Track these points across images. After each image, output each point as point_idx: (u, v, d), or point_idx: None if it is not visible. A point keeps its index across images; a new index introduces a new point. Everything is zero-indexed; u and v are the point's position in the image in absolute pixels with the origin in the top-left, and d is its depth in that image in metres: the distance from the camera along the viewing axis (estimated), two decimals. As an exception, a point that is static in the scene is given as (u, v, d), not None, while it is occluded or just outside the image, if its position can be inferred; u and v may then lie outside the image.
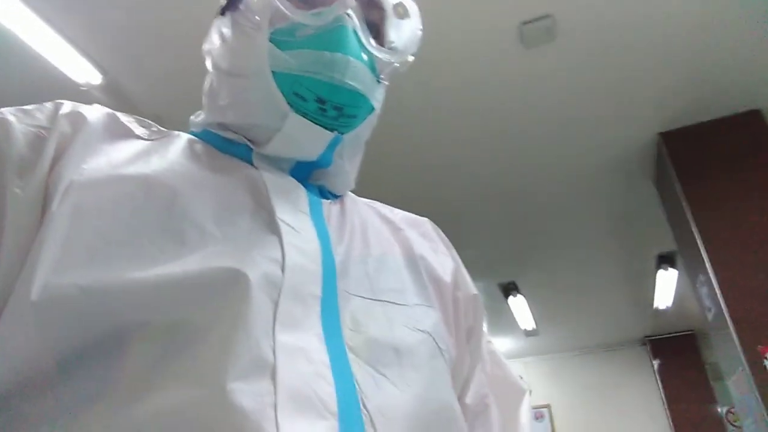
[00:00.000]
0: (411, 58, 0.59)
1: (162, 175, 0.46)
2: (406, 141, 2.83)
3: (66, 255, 0.38)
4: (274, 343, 0.38)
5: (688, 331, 5.76)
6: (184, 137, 0.54)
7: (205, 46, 0.58)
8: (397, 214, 0.65)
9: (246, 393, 0.34)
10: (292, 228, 0.47)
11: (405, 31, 0.59)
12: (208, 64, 0.58)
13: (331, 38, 0.51)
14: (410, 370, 0.45)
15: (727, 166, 2.65)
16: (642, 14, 2.21)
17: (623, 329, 5.80)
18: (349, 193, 0.62)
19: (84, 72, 2.29)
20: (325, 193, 0.57)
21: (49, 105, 0.48)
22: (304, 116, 0.51)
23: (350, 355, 0.42)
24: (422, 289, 0.55)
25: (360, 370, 0.42)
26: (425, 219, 0.68)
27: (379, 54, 0.55)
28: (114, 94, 2.43)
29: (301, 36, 0.51)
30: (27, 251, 0.39)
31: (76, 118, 0.47)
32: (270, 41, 0.51)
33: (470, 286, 0.64)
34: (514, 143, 2.93)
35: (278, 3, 0.50)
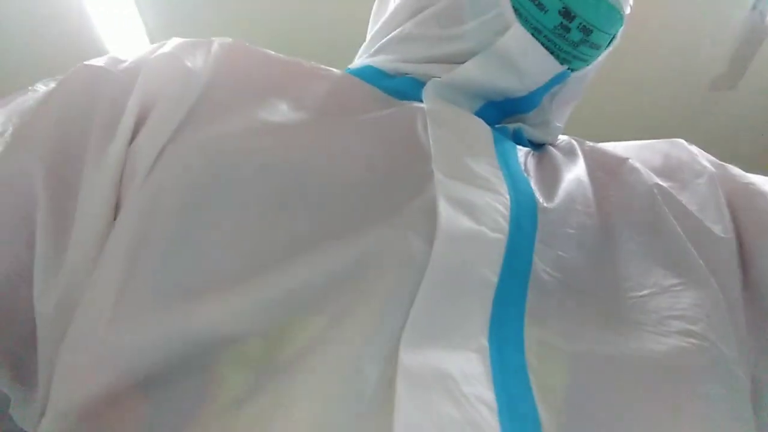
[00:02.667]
0: None
1: (279, 145, 0.32)
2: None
3: (140, 259, 0.29)
4: (392, 367, 0.23)
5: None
6: (328, 75, 0.39)
7: None
8: (622, 147, 0.44)
9: None
10: (461, 177, 0.31)
11: None
12: None
13: None
14: (666, 411, 0.26)
15: None
16: None
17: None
18: (556, 141, 0.44)
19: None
20: (522, 138, 0.40)
21: (145, 49, 0.37)
22: (535, 33, 0.36)
23: (536, 389, 0.25)
24: (680, 256, 0.33)
25: (556, 418, 0.24)
26: (672, 141, 0.43)
27: None
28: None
29: None
30: (99, 248, 0.30)
31: (169, 66, 0.34)
32: None
33: (758, 203, 0.37)
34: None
35: None
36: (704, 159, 0.41)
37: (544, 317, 0.28)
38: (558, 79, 0.39)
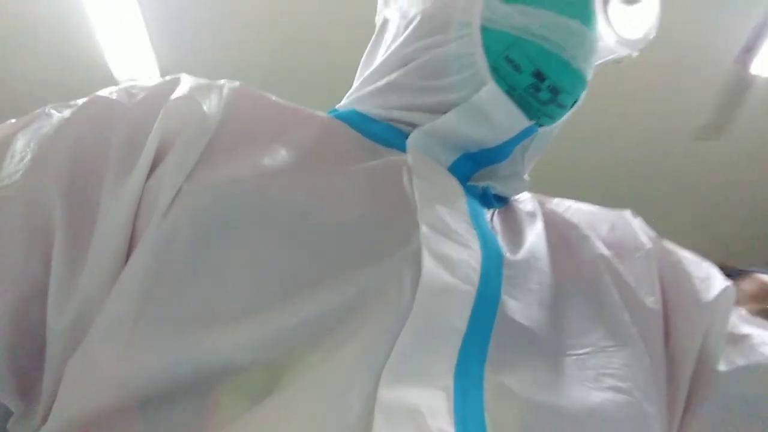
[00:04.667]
0: (635, 54, 0.47)
1: (282, 190, 0.36)
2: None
3: (155, 289, 0.32)
4: (370, 401, 0.27)
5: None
6: (318, 121, 0.43)
7: (381, 2, 0.49)
8: (577, 213, 0.48)
9: None
10: (442, 233, 0.35)
11: (631, 18, 0.47)
12: (386, 10, 0.48)
13: (574, 1, 0.41)
14: None
15: None
16: None
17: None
18: (517, 197, 0.48)
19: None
20: (489, 198, 0.44)
21: (163, 84, 0.39)
22: (508, 92, 0.40)
23: (489, 427, 0.29)
24: (616, 321, 0.39)
25: None
26: (620, 212, 0.50)
27: (616, 39, 0.43)
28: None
29: None
30: (113, 270, 0.33)
31: (190, 108, 0.37)
32: None
33: (697, 286, 0.44)
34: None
35: None
36: (644, 234, 0.47)
37: (502, 363, 0.32)
38: (527, 133, 0.42)
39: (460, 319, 0.32)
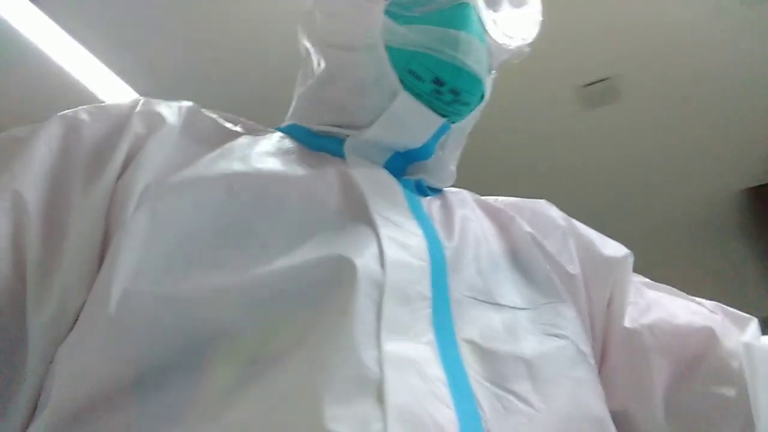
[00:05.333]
0: (527, 49, 0.54)
1: (245, 175, 0.42)
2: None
3: (144, 264, 0.35)
4: (379, 353, 0.32)
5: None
6: (273, 135, 0.51)
7: (303, 25, 0.56)
8: (503, 202, 0.57)
9: (347, 420, 0.29)
10: (391, 221, 0.42)
11: (518, 20, 0.54)
12: (306, 42, 0.55)
13: (456, 15, 0.47)
14: (547, 384, 0.38)
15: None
16: (714, 64, 2.11)
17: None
18: (448, 189, 0.56)
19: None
20: (423, 188, 0.52)
21: (126, 103, 0.45)
22: (417, 97, 0.47)
23: (469, 371, 0.36)
24: (547, 283, 0.48)
25: (482, 390, 0.35)
26: (537, 201, 0.59)
27: (501, 39, 0.50)
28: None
29: (420, 11, 0.47)
30: (90, 262, 0.37)
31: (153, 118, 0.44)
32: (385, 14, 0.48)
33: (601, 250, 0.55)
34: (580, 208, 2.83)
35: None
36: (558, 217, 0.57)
37: (464, 321, 0.39)
38: (442, 131, 0.49)
39: (424, 288, 0.38)
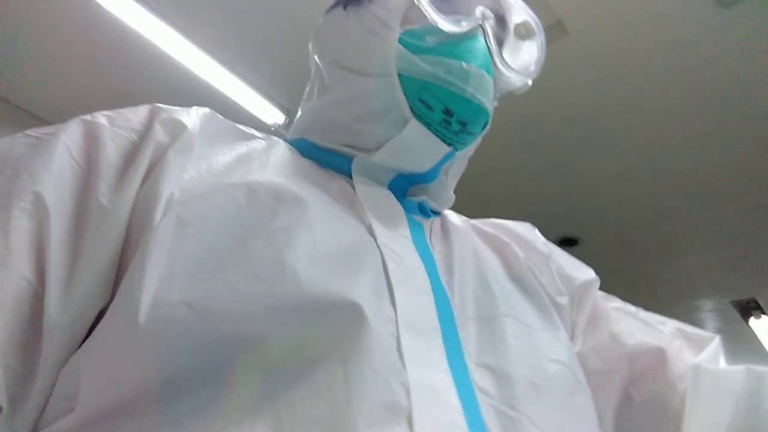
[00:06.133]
0: (530, 82, 0.56)
1: (264, 182, 0.42)
2: (589, 128, 2.53)
3: (173, 272, 0.35)
4: (407, 382, 0.34)
5: None
6: (282, 145, 0.51)
7: (314, 43, 0.57)
8: (492, 226, 0.60)
9: None
10: (395, 254, 0.43)
11: (524, 52, 0.57)
12: (318, 60, 0.56)
13: (469, 48, 0.48)
14: (550, 409, 0.40)
15: None
16: None
17: None
18: (448, 210, 0.59)
19: (270, 113, 2.53)
20: (426, 210, 0.54)
21: (143, 109, 0.46)
22: (426, 126, 0.48)
23: (480, 396, 0.38)
24: (544, 311, 0.50)
25: (491, 414, 0.37)
26: (522, 224, 0.62)
27: (510, 73, 0.53)
28: (297, 131, 2.63)
29: (433, 41, 0.49)
30: (110, 268, 0.37)
31: (174, 126, 0.44)
32: (399, 41, 0.49)
33: (577, 275, 0.57)
34: (723, 121, 2.42)
35: (422, 3, 0.48)
36: (540, 242, 0.59)
37: (474, 348, 0.41)
38: (447, 158, 0.51)
39: (433, 319, 0.40)
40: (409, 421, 0.32)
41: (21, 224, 0.35)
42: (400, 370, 0.35)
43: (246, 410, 0.32)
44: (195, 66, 2.23)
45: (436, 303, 0.41)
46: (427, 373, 0.36)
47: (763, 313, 3.86)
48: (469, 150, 0.55)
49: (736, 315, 3.97)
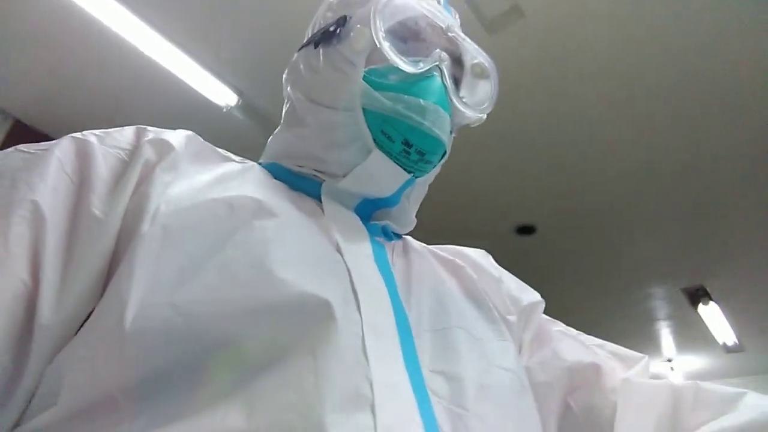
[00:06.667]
0: (484, 117, 0.61)
1: (241, 198, 0.46)
2: (545, 116, 2.54)
3: (159, 276, 0.38)
4: (371, 376, 0.38)
5: None
6: (257, 167, 0.57)
7: (288, 75, 0.62)
8: (448, 251, 0.65)
9: (345, 427, 0.34)
10: (360, 271, 0.47)
11: (479, 90, 0.62)
12: (290, 91, 0.61)
13: (426, 87, 0.54)
14: (497, 408, 0.44)
15: None
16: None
17: None
18: (407, 236, 0.64)
19: (222, 94, 2.45)
20: (388, 233, 0.59)
21: (130, 129, 0.50)
22: (388, 155, 0.53)
23: (432, 397, 0.41)
24: (495, 324, 0.55)
25: (442, 412, 0.41)
26: (476, 250, 0.68)
27: (464, 109, 0.58)
28: (251, 114, 2.56)
29: (394, 80, 0.54)
30: (100, 274, 0.40)
31: (161, 145, 0.49)
32: (363, 79, 0.54)
33: (524, 297, 0.63)
34: (675, 110, 2.46)
35: (384, 46, 0.53)
36: (492, 267, 0.66)
37: (425, 356, 0.45)
38: (408, 184, 0.56)
39: (392, 327, 0.44)
40: (373, 410, 0.36)
41: (20, 231, 0.39)
42: (365, 365, 0.38)
43: (219, 399, 0.35)
44: (144, 44, 2.15)
45: (395, 315, 0.45)
46: (388, 371, 0.39)
47: (711, 299, 4.00)
48: (429, 177, 0.60)
49: (686, 302, 4.10)
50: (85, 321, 0.40)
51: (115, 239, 0.42)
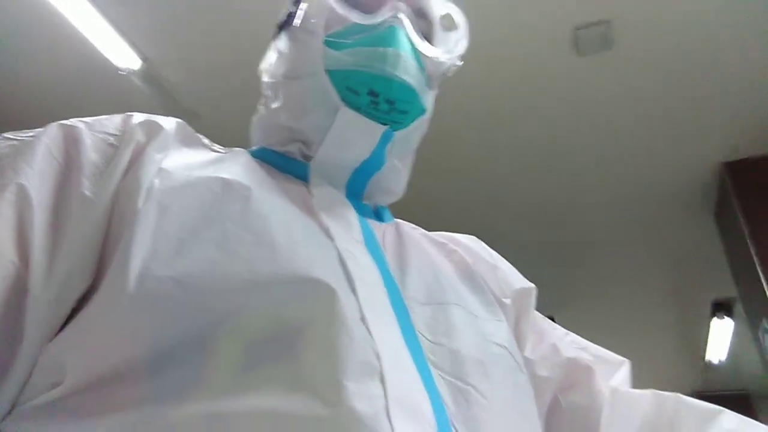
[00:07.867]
0: (459, 63, 0.60)
1: (236, 178, 0.47)
2: (438, 145, 2.69)
3: (157, 249, 0.39)
4: (377, 349, 0.38)
5: (742, 391, 5.28)
6: (246, 153, 0.56)
7: (262, 66, 0.62)
8: (442, 236, 0.65)
9: (359, 395, 0.35)
10: (351, 253, 0.46)
11: (450, 42, 0.60)
12: (265, 80, 0.61)
13: (384, 35, 0.53)
14: (495, 384, 0.45)
15: (800, 203, 2.39)
16: (710, 29, 2.04)
17: (670, 381, 5.34)
18: (399, 220, 0.63)
19: (124, 57, 2.28)
20: (380, 215, 0.59)
21: (118, 116, 0.50)
22: (356, 110, 0.52)
23: (433, 369, 0.42)
24: (489, 305, 0.55)
25: (443, 384, 0.42)
26: (469, 236, 0.68)
27: (428, 52, 0.56)
28: (153, 83, 2.41)
29: (355, 38, 0.53)
30: (93, 252, 0.40)
31: (151, 127, 0.49)
32: (324, 44, 0.54)
33: (518, 282, 0.63)
34: (559, 159, 2.75)
35: (334, 4, 0.53)
36: (485, 252, 0.65)
37: (423, 328, 0.45)
38: (386, 139, 0.54)
39: (388, 303, 0.44)
40: (382, 380, 0.36)
41: (6, 213, 0.39)
42: (369, 339, 0.39)
43: (233, 378, 0.35)
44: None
45: (390, 296, 0.45)
46: (390, 344, 0.40)
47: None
48: (411, 133, 0.57)
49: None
50: (83, 300, 0.40)
51: (106, 218, 0.42)
